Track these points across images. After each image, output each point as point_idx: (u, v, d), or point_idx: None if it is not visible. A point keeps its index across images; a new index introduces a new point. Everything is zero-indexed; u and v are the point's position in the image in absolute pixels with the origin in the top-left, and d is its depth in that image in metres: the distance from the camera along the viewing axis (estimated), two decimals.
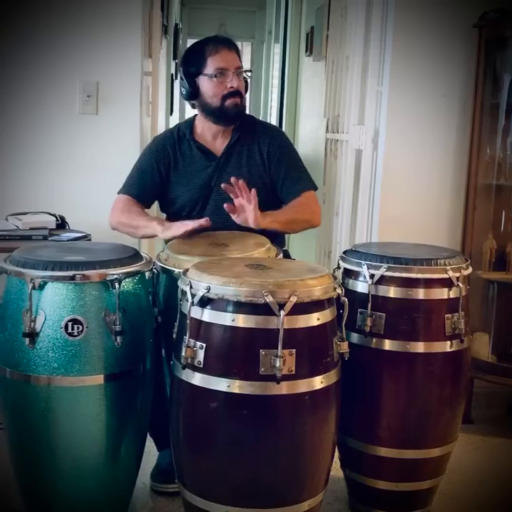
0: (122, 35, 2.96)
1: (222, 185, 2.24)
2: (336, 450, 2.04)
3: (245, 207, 2.20)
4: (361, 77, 3.22)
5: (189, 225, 2.27)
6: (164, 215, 2.58)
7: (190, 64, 2.42)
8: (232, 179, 2.22)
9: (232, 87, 2.38)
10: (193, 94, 2.43)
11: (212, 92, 2.39)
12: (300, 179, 2.45)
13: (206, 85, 2.40)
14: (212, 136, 2.48)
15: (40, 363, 1.92)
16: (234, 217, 2.23)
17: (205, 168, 2.44)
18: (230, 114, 2.41)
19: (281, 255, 2.25)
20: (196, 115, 2.52)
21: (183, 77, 2.43)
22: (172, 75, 5.51)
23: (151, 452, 2.38)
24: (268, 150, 2.45)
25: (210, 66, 2.38)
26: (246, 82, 2.46)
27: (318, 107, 4.25)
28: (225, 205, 2.22)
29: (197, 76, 2.40)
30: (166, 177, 2.46)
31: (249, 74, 2.49)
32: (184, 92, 2.46)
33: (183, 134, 2.49)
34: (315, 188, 2.49)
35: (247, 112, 2.56)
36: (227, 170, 2.44)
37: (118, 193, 2.49)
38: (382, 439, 2.14)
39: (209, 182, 2.43)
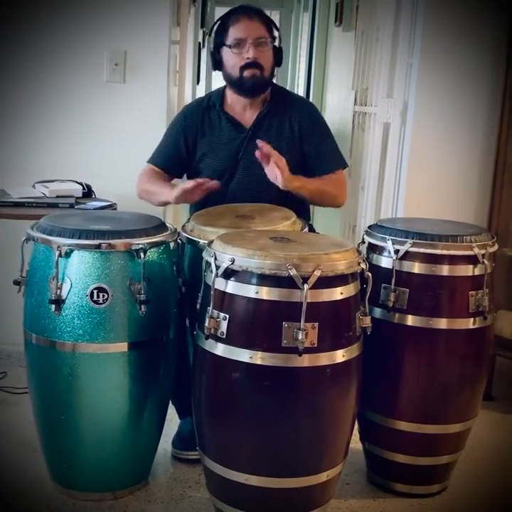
0: (150, 3, 2.93)
1: (257, 153, 2.21)
2: (356, 423, 2.06)
3: (276, 165, 2.18)
4: (391, 49, 3.18)
5: (190, 182, 2.25)
6: None
7: (216, 34, 2.40)
8: (258, 142, 2.20)
9: (248, 58, 2.33)
10: (217, 64, 2.42)
11: (231, 62, 2.37)
12: (332, 156, 2.44)
13: (226, 56, 2.38)
14: (241, 107, 2.45)
15: (65, 329, 1.95)
16: (265, 168, 2.22)
17: (233, 140, 2.42)
18: (247, 85, 2.36)
19: (306, 229, 2.24)
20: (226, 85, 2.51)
21: (212, 48, 2.42)
22: (199, 43, 5.47)
23: (172, 420, 2.41)
24: (299, 124, 2.42)
25: (230, 36, 2.35)
26: (279, 52, 2.42)
27: (346, 78, 4.21)
28: (256, 153, 2.20)
29: (221, 47, 2.39)
30: (193, 147, 2.45)
31: (276, 43, 2.41)
32: (212, 63, 2.45)
33: (213, 104, 2.47)
34: (345, 166, 2.48)
35: (274, 82, 2.53)
36: (256, 142, 2.42)
37: (147, 162, 2.50)
38: (403, 413, 2.15)
39: (236, 154, 2.41)
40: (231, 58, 2.37)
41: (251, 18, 2.35)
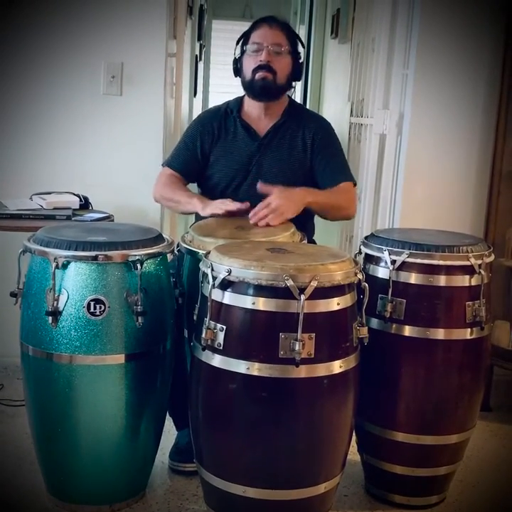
0: (147, 15, 2.95)
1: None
2: (354, 434, 2.05)
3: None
4: (387, 60, 3.19)
5: (229, 205, 2.28)
6: (199, 190, 2.60)
7: (241, 43, 2.47)
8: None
9: (261, 61, 2.39)
10: (237, 71, 2.49)
11: (247, 66, 2.44)
12: (342, 170, 2.47)
13: (244, 61, 2.45)
14: (257, 115, 2.50)
15: (62, 341, 1.95)
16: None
17: (247, 147, 2.45)
18: (256, 87, 2.42)
19: (305, 240, 2.25)
20: None
21: (236, 56, 2.49)
22: (196, 56, 5.49)
23: (170, 431, 2.40)
24: (313, 137, 2.46)
25: (250, 41, 2.43)
26: (299, 64, 2.47)
27: (342, 90, 4.23)
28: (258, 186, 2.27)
29: (242, 54, 2.46)
30: (208, 152, 2.49)
31: (299, 58, 2.47)
32: (233, 69, 2.51)
33: (230, 110, 2.52)
34: (354, 183, 2.50)
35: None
36: (269, 151, 2.46)
37: (162, 164, 2.55)
38: (401, 424, 2.15)
39: (249, 161, 2.45)
40: (247, 62, 2.44)
41: (271, 27, 2.43)
